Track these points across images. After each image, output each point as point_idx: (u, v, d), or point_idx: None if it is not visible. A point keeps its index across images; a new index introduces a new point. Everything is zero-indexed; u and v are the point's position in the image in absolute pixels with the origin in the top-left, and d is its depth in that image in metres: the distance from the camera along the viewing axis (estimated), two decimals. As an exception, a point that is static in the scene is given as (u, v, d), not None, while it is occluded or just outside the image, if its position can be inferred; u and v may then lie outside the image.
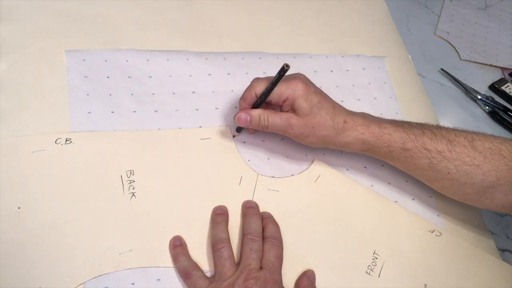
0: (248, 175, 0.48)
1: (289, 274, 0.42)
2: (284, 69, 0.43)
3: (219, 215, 0.44)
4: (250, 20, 0.63)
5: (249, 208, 0.45)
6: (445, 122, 0.65)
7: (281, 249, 0.42)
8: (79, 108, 0.47)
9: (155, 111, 0.49)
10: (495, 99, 0.71)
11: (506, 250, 0.52)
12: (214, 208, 0.45)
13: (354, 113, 0.47)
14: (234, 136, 0.50)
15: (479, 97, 0.70)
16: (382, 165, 0.53)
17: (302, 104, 0.44)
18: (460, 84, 0.71)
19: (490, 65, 0.77)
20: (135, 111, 0.48)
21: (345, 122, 0.45)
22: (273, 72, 0.57)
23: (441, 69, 0.73)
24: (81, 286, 0.37)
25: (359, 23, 0.70)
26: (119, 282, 0.38)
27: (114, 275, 0.38)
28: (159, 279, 0.39)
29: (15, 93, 0.46)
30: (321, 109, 0.45)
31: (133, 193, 0.43)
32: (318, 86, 0.58)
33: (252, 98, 0.46)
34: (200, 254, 0.42)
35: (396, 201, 0.51)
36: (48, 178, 0.42)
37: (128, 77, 0.51)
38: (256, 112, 0.45)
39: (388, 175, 0.53)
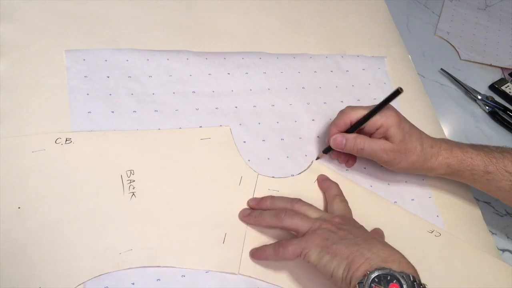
0: (248, 175, 0.48)
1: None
2: (398, 92, 0.44)
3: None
4: (250, 20, 0.63)
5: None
6: (445, 122, 0.65)
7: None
8: (79, 108, 0.47)
9: (155, 110, 0.49)
10: (495, 99, 0.71)
11: (506, 250, 0.53)
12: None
13: (436, 138, 0.50)
14: (318, 158, 0.52)
15: (479, 97, 0.70)
16: (381, 166, 0.53)
17: (396, 131, 0.46)
18: (460, 84, 0.71)
19: (490, 65, 0.77)
20: (135, 111, 0.48)
21: (431, 147, 0.48)
22: (273, 72, 0.57)
23: (441, 69, 0.73)
24: (81, 285, 0.37)
25: (359, 23, 0.70)
26: (119, 282, 0.38)
27: (114, 275, 0.38)
28: (159, 279, 0.39)
29: (15, 93, 0.46)
30: (412, 135, 0.47)
31: (133, 192, 0.43)
32: (318, 86, 0.58)
33: (345, 125, 0.48)
34: (200, 253, 0.42)
35: (395, 202, 0.51)
36: (48, 178, 0.42)
37: (128, 76, 0.51)
38: (352, 135, 0.47)
39: (387, 175, 0.53)
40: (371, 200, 0.50)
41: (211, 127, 0.50)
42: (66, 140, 0.44)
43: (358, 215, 0.48)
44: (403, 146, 0.46)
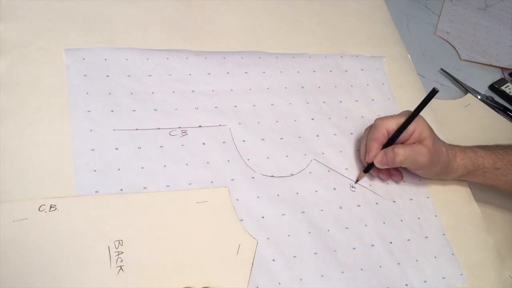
0: (247, 243, 0.44)
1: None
2: (435, 92, 0.44)
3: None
4: (250, 20, 0.63)
5: None
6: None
7: None
8: (78, 107, 0.47)
9: (154, 110, 0.49)
10: (495, 99, 0.71)
11: (505, 250, 0.53)
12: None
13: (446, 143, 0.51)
14: (357, 181, 0.50)
15: (479, 97, 0.70)
16: (381, 165, 0.53)
17: (429, 133, 0.47)
18: (460, 84, 0.72)
19: (490, 65, 0.77)
20: (135, 110, 0.49)
21: (451, 149, 0.49)
22: (272, 72, 0.57)
23: (441, 69, 0.73)
24: None
25: (358, 23, 0.70)
26: None
27: None
28: None
29: (15, 92, 0.46)
30: (436, 137, 0.48)
31: (120, 266, 0.40)
32: (317, 86, 0.59)
33: (384, 137, 0.48)
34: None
35: (394, 201, 0.51)
36: (30, 251, 0.38)
37: (128, 76, 0.51)
38: (390, 149, 0.47)
39: (387, 174, 0.53)
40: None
41: (207, 188, 0.46)
42: (51, 207, 0.40)
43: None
44: (435, 147, 0.47)
